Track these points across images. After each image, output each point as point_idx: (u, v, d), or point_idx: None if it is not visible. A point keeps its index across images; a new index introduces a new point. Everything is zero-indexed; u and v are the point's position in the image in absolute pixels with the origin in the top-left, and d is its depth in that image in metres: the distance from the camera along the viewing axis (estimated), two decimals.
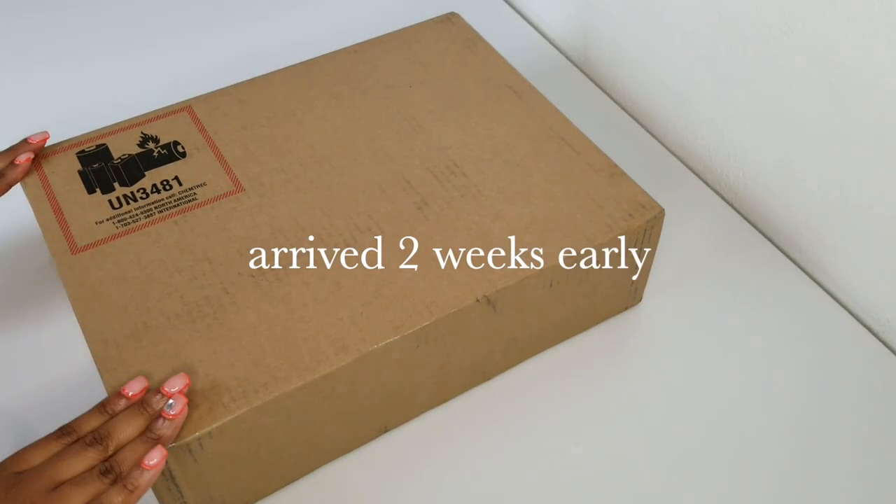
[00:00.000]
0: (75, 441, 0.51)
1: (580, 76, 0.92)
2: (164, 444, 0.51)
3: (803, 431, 0.65)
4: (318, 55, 0.76)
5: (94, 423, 0.52)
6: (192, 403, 0.53)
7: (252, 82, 0.73)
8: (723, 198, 0.82)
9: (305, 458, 0.60)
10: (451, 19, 0.80)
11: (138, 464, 0.50)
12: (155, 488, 0.54)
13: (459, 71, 0.75)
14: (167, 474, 0.53)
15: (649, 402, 0.66)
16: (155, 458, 0.51)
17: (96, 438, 0.51)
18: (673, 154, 0.85)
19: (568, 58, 0.95)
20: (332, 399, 0.57)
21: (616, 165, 0.67)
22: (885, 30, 0.62)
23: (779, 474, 0.62)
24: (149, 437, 0.51)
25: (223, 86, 0.73)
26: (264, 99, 0.72)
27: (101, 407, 0.52)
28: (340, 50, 0.77)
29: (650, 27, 0.83)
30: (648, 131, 0.88)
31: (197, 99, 0.72)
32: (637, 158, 0.81)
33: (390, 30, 0.78)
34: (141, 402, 0.52)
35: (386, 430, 0.64)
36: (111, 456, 0.51)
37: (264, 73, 0.74)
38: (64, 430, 0.51)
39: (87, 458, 0.50)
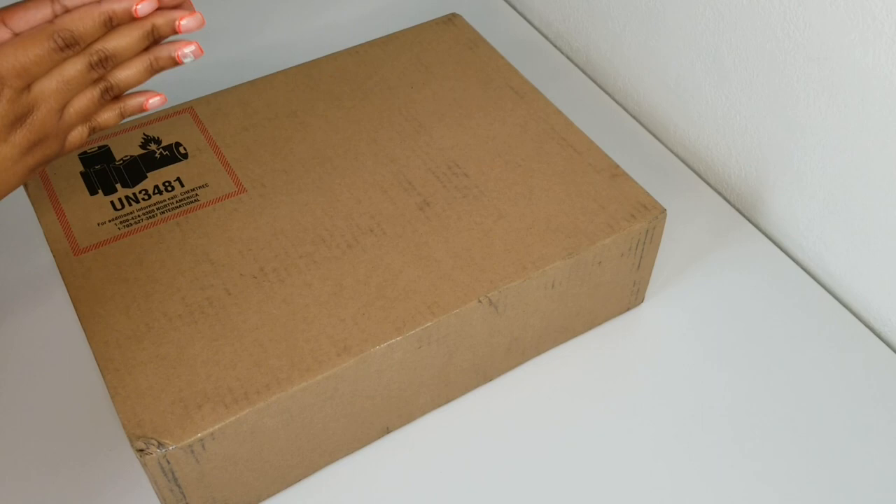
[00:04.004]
0: (66, 47, 0.49)
1: (581, 76, 0.92)
2: (159, 70, 0.53)
3: (806, 433, 0.65)
4: (319, 56, 0.76)
5: (94, 26, 0.50)
6: (194, 404, 0.53)
7: (253, 83, 0.73)
8: (724, 198, 0.82)
9: (308, 459, 0.60)
10: (452, 20, 0.80)
11: (132, 85, 0.52)
12: (157, 489, 0.54)
13: (461, 71, 0.75)
14: (169, 475, 0.53)
15: (651, 403, 0.66)
16: (155, 101, 0.53)
17: (103, 58, 0.50)
18: (674, 154, 0.85)
19: (569, 58, 0.95)
20: (334, 400, 0.57)
21: (618, 166, 0.67)
22: (887, 30, 0.62)
23: (781, 475, 0.62)
24: (150, 62, 0.52)
25: (225, 87, 0.73)
26: (266, 100, 0.72)
27: (106, 15, 0.50)
28: (342, 51, 0.77)
29: (651, 27, 0.83)
30: (650, 132, 0.88)
31: (199, 100, 0.72)
32: (638, 159, 0.81)
33: (391, 31, 0.79)
34: (148, 24, 0.51)
35: (388, 431, 0.64)
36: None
37: (266, 74, 0.74)
38: (63, 35, 0.49)
39: (75, 67, 0.50)
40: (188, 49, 0.53)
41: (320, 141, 0.69)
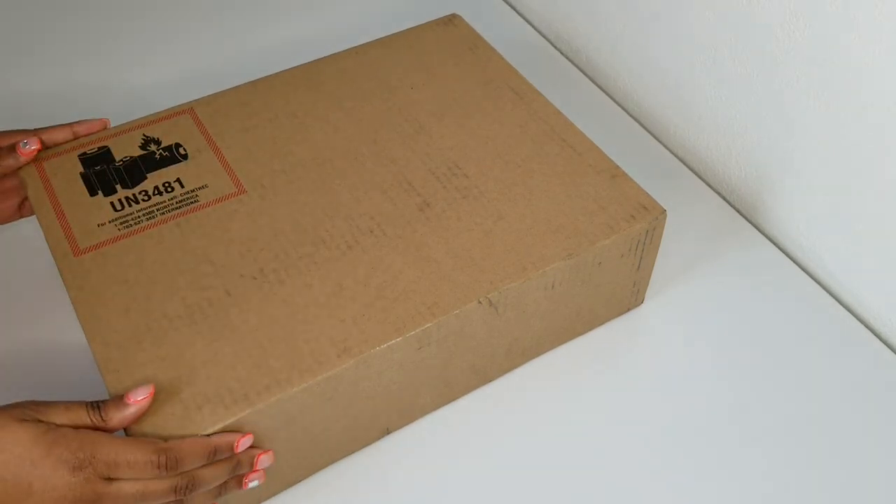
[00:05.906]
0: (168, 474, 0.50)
1: (581, 77, 0.92)
2: (225, 493, 0.55)
3: (805, 432, 0.65)
4: (319, 57, 0.76)
5: (197, 462, 0.51)
6: (194, 405, 0.53)
7: (254, 84, 0.73)
8: (724, 199, 0.82)
9: (307, 459, 0.60)
10: (452, 21, 0.80)
11: None
12: None
13: (461, 72, 0.75)
14: None
15: (651, 405, 0.66)
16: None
17: (189, 486, 0.51)
18: (674, 155, 0.85)
19: (569, 59, 0.95)
20: (334, 401, 0.57)
21: (617, 166, 0.67)
22: (887, 30, 0.62)
23: (782, 476, 0.62)
24: (220, 490, 0.54)
25: (225, 88, 0.73)
26: (266, 101, 0.72)
27: (211, 451, 0.52)
28: (342, 52, 0.77)
29: (651, 28, 0.83)
30: (650, 132, 0.88)
31: (199, 101, 0.72)
32: (638, 159, 0.81)
33: (392, 31, 0.79)
34: (235, 461, 0.53)
35: (388, 431, 0.64)
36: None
37: (266, 74, 0.74)
38: (168, 458, 0.50)
39: (161, 486, 0.50)
40: (255, 477, 0.55)
41: (320, 142, 0.69)
